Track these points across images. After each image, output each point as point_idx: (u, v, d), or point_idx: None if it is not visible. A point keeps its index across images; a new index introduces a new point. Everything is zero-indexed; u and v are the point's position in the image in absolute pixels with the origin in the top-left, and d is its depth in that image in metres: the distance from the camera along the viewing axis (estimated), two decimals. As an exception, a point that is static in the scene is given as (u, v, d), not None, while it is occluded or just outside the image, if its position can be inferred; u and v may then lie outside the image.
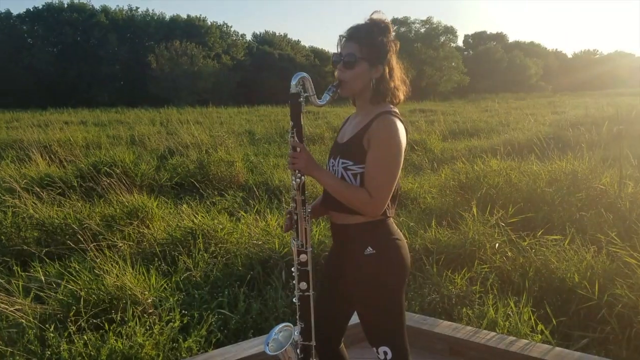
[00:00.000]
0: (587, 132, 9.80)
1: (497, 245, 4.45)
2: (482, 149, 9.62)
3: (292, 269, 1.94)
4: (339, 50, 1.92)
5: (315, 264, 1.94)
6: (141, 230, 5.11)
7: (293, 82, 1.82)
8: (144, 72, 48.46)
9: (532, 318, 3.32)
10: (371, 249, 1.86)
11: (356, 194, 1.83)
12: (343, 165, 1.89)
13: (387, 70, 1.90)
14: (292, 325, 1.99)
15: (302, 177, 1.87)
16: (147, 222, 5.38)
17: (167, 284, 3.96)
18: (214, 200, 7.33)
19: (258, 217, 5.30)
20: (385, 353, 1.91)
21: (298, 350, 1.97)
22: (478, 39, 77.36)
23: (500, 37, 79.19)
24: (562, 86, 65.12)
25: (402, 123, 1.89)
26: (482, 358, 3.10)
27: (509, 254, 4.39)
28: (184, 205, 6.37)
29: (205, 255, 4.62)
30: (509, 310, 3.42)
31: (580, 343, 3.16)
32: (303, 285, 1.91)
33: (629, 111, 13.98)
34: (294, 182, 1.87)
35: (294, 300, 1.96)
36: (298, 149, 1.85)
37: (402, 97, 1.95)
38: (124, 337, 3.04)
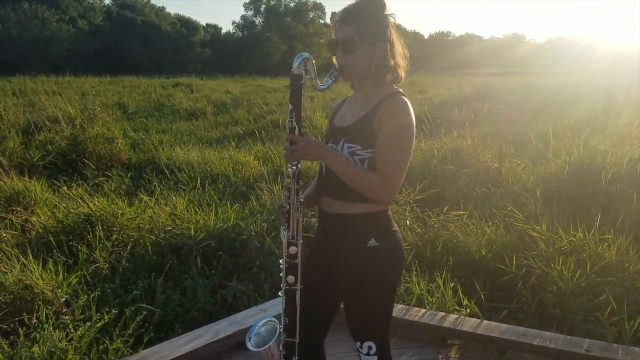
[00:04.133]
0: (467, 111, 10.52)
1: (408, 222, 4.63)
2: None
3: (280, 261, 1.81)
4: (335, 34, 1.80)
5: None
6: (27, 218, 4.50)
7: (296, 63, 1.70)
8: (-13, 37, 42.52)
9: (459, 292, 3.49)
10: (374, 241, 1.76)
11: (370, 178, 1.71)
12: (349, 150, 1.76)
13: (388, 48, 1.79)
14: (275, 320, 1.87)
15: (298, 165, 1.73)
16: (31, 208, 4.75)
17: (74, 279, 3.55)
18: (96, 182, 6.73)
19: (162, 201, 4.95)
20: (370, 348, 1.85)
21: (281, 346, 1.86)
22: (345, 17, 79.24)
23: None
24: (418, 66, 69.43)
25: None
26: (413, 335, 3.22)
27: (418, 230, 4.59)
28: (64, 187, 5.75)
29: (107, 244, 4.21)
30: (434, 286, 3.56)
31: (501, 314, 3.39)
32: (291, 278, 1.79)
33: (488, 90, 15.36)
34: (289, 169, 1.72)
35: (279, 294, 1.84)
36: (297, 141, 1.69)
37: (402, 74, 1.85)
38: (40, 343, 2.66)
